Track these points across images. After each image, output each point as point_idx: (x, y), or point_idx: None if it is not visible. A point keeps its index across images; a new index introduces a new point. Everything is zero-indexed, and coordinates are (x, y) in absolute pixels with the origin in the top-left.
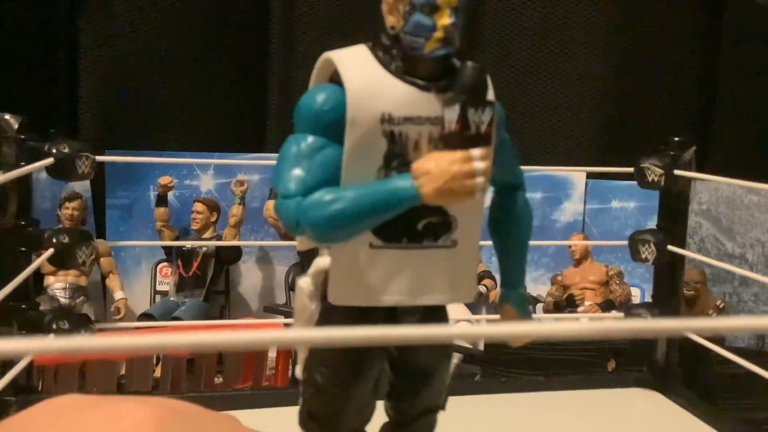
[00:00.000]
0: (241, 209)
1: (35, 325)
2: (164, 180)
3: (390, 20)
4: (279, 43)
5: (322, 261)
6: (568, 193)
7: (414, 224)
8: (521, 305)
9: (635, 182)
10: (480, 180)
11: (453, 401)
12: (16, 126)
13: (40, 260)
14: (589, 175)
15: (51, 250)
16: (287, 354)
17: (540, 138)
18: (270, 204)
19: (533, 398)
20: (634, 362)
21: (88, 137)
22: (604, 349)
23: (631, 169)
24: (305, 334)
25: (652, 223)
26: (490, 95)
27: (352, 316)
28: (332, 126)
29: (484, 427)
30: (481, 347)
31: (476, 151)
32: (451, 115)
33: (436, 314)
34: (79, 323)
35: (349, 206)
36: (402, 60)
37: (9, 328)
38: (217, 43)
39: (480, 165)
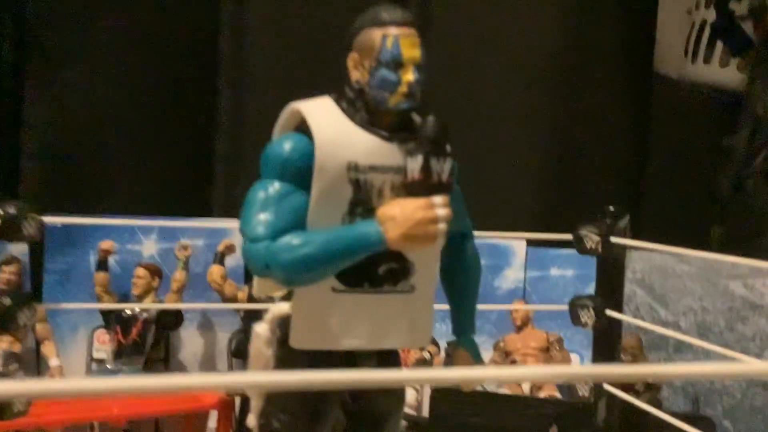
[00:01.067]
0: (184, 274)
1: None
2: (105, 244)
3: (355, 75)
4: (227, 109)
5: (279, 307)
6: (509, 261)
7: (375, 269)
8: (473, 350)
9: (573, 250)
10: (442, 225)
11: None
12: None
13: None
14: (529, 243)
15: None
16: (228, 421)
17: (480, 206)
18: (214, 269)
19: None
20: (574, 427)
21: (28, 199)
22: (546, 415)
23: (570, 236)
24: (270, 377)
25: (590, 291)
26: (450, 148)
27: (310, 360)
28: (299, 173)
29: None
30: (426, 414)
31: (438, 199)
32: (414, 164)
33: (391, 359)
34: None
35: (317, 250)
36: (366, 112)
37: None
38: (163, 107)
39: (442, 212)
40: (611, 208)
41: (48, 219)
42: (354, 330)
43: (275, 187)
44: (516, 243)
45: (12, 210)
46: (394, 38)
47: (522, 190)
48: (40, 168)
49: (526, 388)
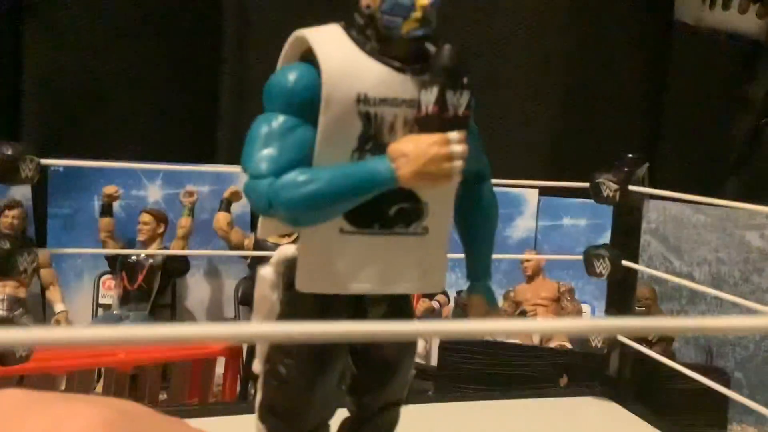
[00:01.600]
0: (189, 221)
1: None
2: (110, 189)
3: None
4: (231, 50)
5: (285, 250)
6: (521, 209)
7: (386, 209)
8: (489, 296)
9: (587, 200)
10: (458, 163)
11: (405, 411)
12: None
13: None
14: (542, 192)
15: None
16: (235, 367)
17: (492, 153)
18: (220, 216)
19: (487, 407)
20: (586, 378)
21: (30, 143)
22: (556, 365)
23: (585, 184)
24: (275, 328)
25: (603, 241)
26: (467, 80)
27: (317, 305)
28: (305, 106)
29: None
30: (434, 363)
31: (454, 134)
32: (428, 97)
33: (401, 304)
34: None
35: (324, 187)
36: (377, 41)
37: None
38: (168, 48)
39: (458, 148)
40: (630, 155)
41: (46, 161)
42: (363, 273)
43: (279, 120)
44: (528, 192)
45: (9, 151)
46: None
47: (535, 137)
48: (42, 113)
49: (536, 338)
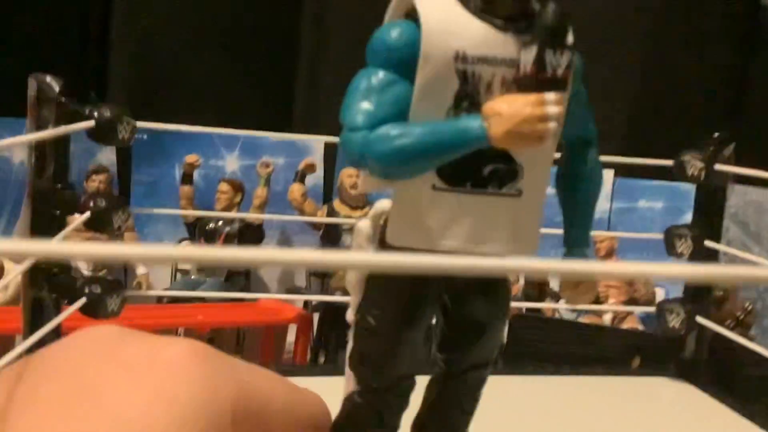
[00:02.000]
0: (265, 191)
1: (67, 290)
2: (191, 158)
3: None
4: (309, 25)
5: (383, 203)
6: None
7: (479, 168)
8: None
9: (664, 181)
10: (552, 125)
11: None
12: (57, 88)
13: (77, 222)
14: (617, 173)
15: (88, 213)
16: (306, 335)
17: None
18: (295, 187)
19: (556, 383)
20: (659, 360)
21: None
22: (629, 346)
23: (668, 162)
24: (368, 258)
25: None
26: (570, 39)
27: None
28: (404, 62)
29: (508, 404)
30: (504, 341)
31: (551, 95)
32: (528, 57)
33: (496, 285)
34: (111, 288)
35: (415, 141)
36: None
37: (40, 291)
38: (247, 22)
39: (553, 109)
40: (715, 134)
41: (141, 124)
42: (453, 231)
43: (378, 76)
44: (603, 172)
45: (107, 113)
46: None
47: (615, 115)
48: (127, 81)
49: (607, 319)
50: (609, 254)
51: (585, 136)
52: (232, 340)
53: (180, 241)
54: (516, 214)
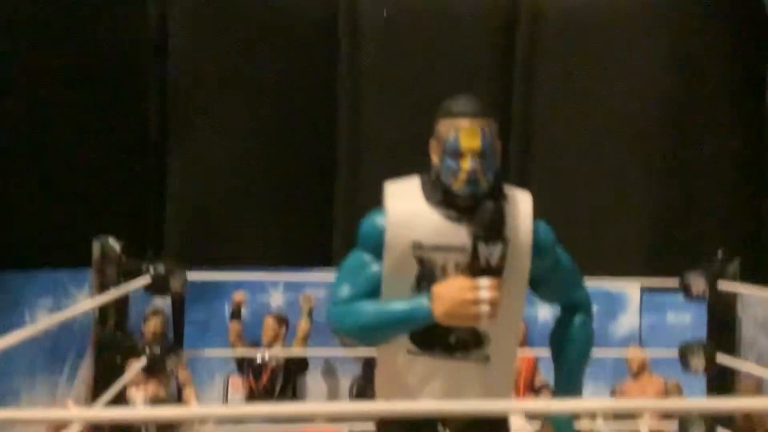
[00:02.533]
0: (308, 323)
1: (127, 427)
2: (238, 296)
3: (434, 159)
4: (344, 167)
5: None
6: (624, 306)
7: (446, 336)
8: (564, 427)
9: None
10: (484, 307)
11: None
12: (118, 249)
13: (135, 369)
14: (644, 289)
15: (144, 359)
16: None
17: (593, 250)
18: None
19: None
20: None
21: (172, 257)
22: None
23: (675, 284)
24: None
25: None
26: (505, 233)
27: (403, 426)
28: (376, 247)
29: None
30: None
31: (484, 281)
32: (470, 247)
33: (494, 427)
34: (164, 428)
35: (375, 319)
36: (442, 193)
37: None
38: (286, 167)
39: (485, 294)
40: (720, 252)
41: (191, 275)
42: (427, 391)
43: (357, 258)
44: (630, 287)
45: (161, 269)
46: (456, 130)
47: (635, 233)
48: (181, 229)
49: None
50: (641, 369)
51: (572, 302)
52: None
53: (229, 375)
54: (486, 378)
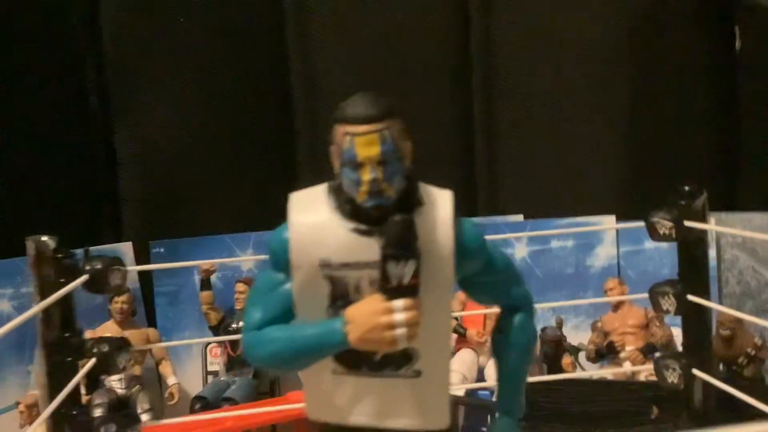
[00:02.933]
0: None
1: (86, 429)
2: (206, 265)
3: (336, 166)
4: (304, 119)
5: None
6: (600, 237)
7: (371, 355)
8: None
9: None
10: (400, 331)
11: None
12: (52, 246)
13: (83, 371)
14: (620, 218)
15: (93, 361)
16: None
17: (566, 185)
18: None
19: None
20: (674, 409)
21: (132, 230)
22: (646, 398)
23: (641, 223)
24: None
25: None
26: (415, 247)
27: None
28: (285, 265)
29: None
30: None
31: (399, 303)
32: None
33: None
34: (126, 424)
35: (286, 346)
36: (348, 204)
37: None
38: (245, 125)
39: (400, 317)
40: (686, 187)
41: (131, 268)
42: (359, 409)
43: (267, 278)
44: (606, 219)
45: (98, 265)
46: (351, 138)
47: (607, 169)
48: (138, 201)
49: (627, 367)
50: (621, 301)
51: (509, 303)
52: None
53: (207, 345)
54: (418, 392)
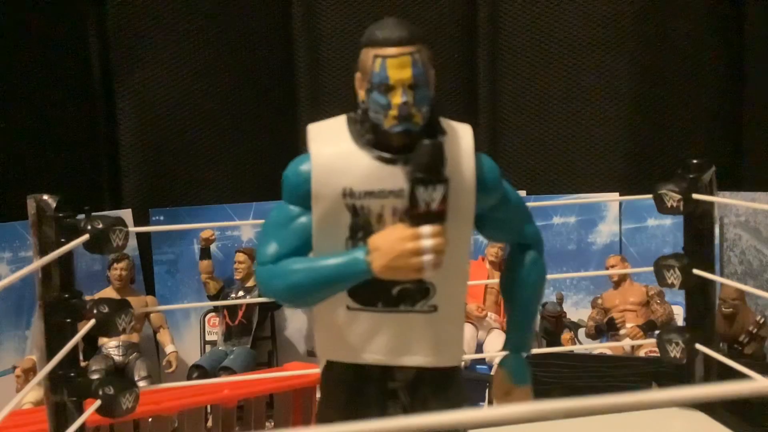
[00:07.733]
0: None
1: (84, 391)
2: (206, 233)
3: (360, 95)
4: (306, 91)
5: None
6: (603, 214)
7: (388, 290)
8: (516, 371)
9: None
10: (427, 258)
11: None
12: (54, 205)
13: (83, 332)
14: (623, 194)
15: (93, 321)
16: None
17: (570, 162)
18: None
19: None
20: (675, 385)
21: (132, 197)
22: (646, 373)
23: (649, 196)
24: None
25: None
26: (444, 173)
27: (347, 373)
28: (303, 197)
29: None
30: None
31: (426, 229)
32: (407, 191)
33: (444, 377)
34: (124, 388)
35: (307, 277)
36: (372, 133)
37: (60, 395)
38: (248, 98)
39: (428, 243)
40: (694, 161)
41: (133, 229)
42: (372, 346)
43: (284, 210)
44: (609, 196)
45: (99, 225)
46: (382, 60)
47: (613, 144)
48: (139, 170)
49: (627, 344)
50: (622, 278)
51: (520, 240)
52: (261, 408)
53: (205, 314)
54: (434, 328)
